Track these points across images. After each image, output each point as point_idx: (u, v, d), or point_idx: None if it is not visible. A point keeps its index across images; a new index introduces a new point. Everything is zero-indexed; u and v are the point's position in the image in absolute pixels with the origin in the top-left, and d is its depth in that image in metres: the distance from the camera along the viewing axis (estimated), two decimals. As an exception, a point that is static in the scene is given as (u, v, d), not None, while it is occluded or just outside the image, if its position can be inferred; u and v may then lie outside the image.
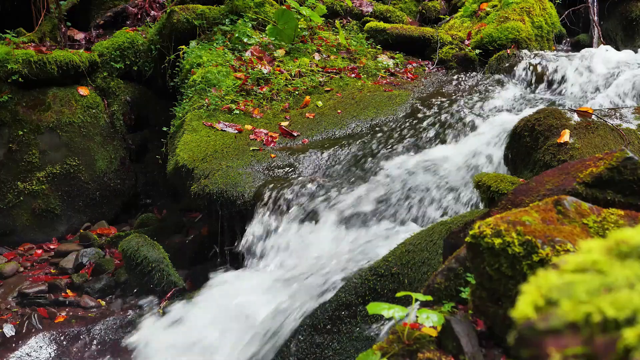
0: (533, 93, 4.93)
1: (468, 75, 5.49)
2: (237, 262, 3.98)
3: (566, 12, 6.77)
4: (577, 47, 6.45)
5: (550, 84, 4.95)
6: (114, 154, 5.82)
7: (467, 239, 1.44)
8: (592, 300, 0.61)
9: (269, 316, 2.89)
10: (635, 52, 5.25)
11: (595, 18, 6.61)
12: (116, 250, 4.84)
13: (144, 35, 6.19)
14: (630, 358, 0.56)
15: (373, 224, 3.47)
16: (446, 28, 6.52)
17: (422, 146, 4.16)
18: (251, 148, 4.27)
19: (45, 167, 5.49)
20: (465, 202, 3.43)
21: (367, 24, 6.21)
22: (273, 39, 5.48)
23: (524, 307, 0.64)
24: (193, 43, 5.54)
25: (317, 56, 5.54)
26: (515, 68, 5.19)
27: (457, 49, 5.80)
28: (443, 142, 4.17)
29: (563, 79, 4.90)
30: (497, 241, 1.36)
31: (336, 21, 6.18)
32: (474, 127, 4.23)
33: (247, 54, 5.36)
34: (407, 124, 4.46)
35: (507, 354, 1.43)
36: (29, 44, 6.06)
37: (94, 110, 5.76)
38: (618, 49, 6.00)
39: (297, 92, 5.03)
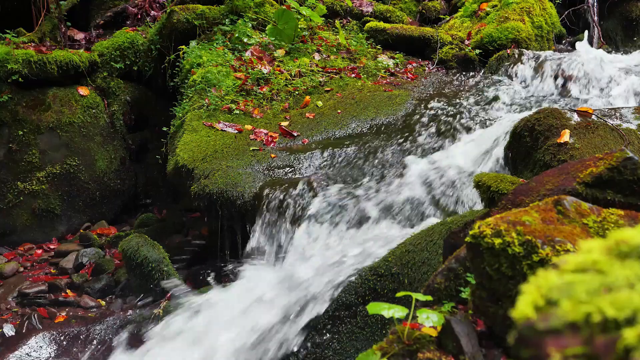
0: (533, 93, 4.93)
1: (468, 75, 5.49)
2: (237, 261, 3.98)
3: (566, 12, 6.77)
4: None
5: (550, 83, 4.95)
6: (114, 154, 5.82)
7: (467, 239, 1.44)
8: (592, 300, 0.61)
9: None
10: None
11: (595, 18, 6.61)
12: (116, 250, 4.84)
13: (144, 35, 6.19)
14: (630, 358, 0.56)
15: (375, 224, 3.47)
16: (446, 28, 6.52)
17: (422, 147, 4.16)
18: (251, 148, 4.27)
19: (45, 167, 5.49)
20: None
21: (367, 24, 6.21)
22: (273, 39, 5.48)
23: (524, 307, 0.64)
24: (193, 43, 5.53)
25: (317, 56, 5.54)
26: (515, 68, 5.19)
27: (457, 49, 5.80)
28: (444, 142, 4.17)
29: (564, 79, 4.90)
30: (497, 241, 1.36)
31: (336, 21, 6.18)
32: (473, 128, 4.23)
33: (247, 54, 5.36)
34: (407, 124, 4.45)
35: (507, 354, 1.43)
36: (29, 44, 6.06)
37: (94, 110, 5.76)
38: (618, 49, 6.01)
39: (297, 92, 5.03)
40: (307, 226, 3.51)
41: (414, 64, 5.77)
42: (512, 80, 5.11)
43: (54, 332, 3.87)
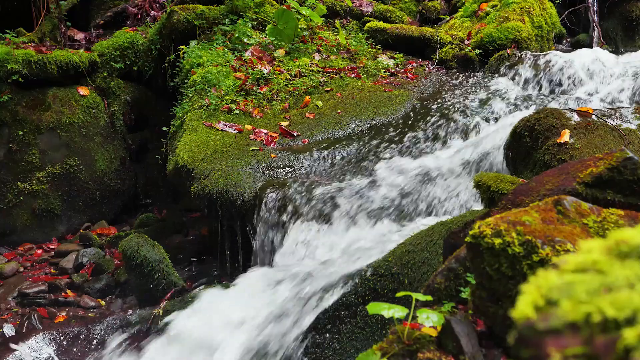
0: (533, 93, 4.93)
1: (468, 75, 5.49)
2: (237, 261, 3.98)
3: (566, 12, 6.77)
4: (577, 47, 6.45)
5: (550, 83, 4.95)
6: (114, 154, 5.82)
7: (467, 239, 1.44)
8: (592, 300, 0.61)
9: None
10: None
11: (595, 18, 6.61)
12: (116, 250, 4.84)
13: (144, 35, 6.19)
14: (630, 358, 0.56)
15: (377, 222, 3.47)
16: (446, 28, 6.52)
17: (421, 147, 4.16)
18: (251, 148, 4.27)
19: (45, 167, 5.48)
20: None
21: (367, 24, 6.21)
22: (273, 39, 5.48)
23: (524, 307, 0.64)
24: (193, 43, 5.53)
25: (317, 56, 5.54)
26: (515, 68, 5.19)
27: (457, 49, 5.80)
28: (444, 143, 4.17)
29: (564, 79, 4.89)
30: (497, 241, 1.36)
31: (336, 21, 6.17)
32: (473, 128, 4.23)
33: (247, 54, 5.36)
34: (407, 124, 4.45)
35: (507, 354, 1.43)
36: (29, 44, 6.06)
37: (94, 110, 5.76)
38: (618, 49, 6.01)
39: (297, 92, 5.03)
40: (306, 226, 3.51)
41: (414, 64, 5.77)
42: (512, 80, 5.10)
43: (54, 332, 3.87)
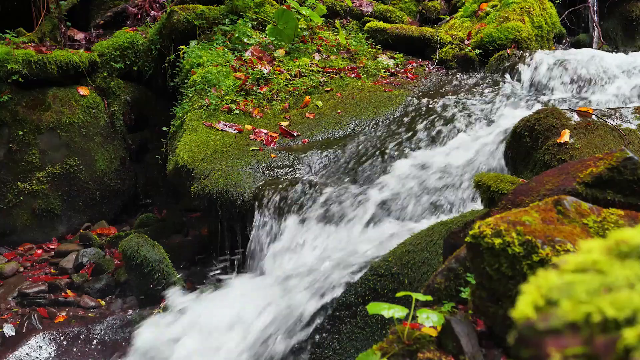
0: (532, 92, 4.93)
1: (468, 75, 5.49)
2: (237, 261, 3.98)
3: (566, 12, 6.78)
4: (577, 47, 6.45)
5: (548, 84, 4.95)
6: (114, 154, 5.82)
7: (467, 239, 1.44)
8: (592, 300, 0.61)
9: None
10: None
11: (595, 18, 6.61)
12: (116, 250, 4.84)
13: (144, 35, 6.19)
14: (630, 358, 0.56)
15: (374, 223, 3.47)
16: (446, 28, 6.52)
17: (420, 147, 4.16)
18: (251, 148, 4.27)
19: (45, 167, 5.49)
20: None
21: (367, 24, 6.21)
22: (273, 39, 5.48)
23: (524, 307, 0.64)
24: (193, 43, 5.53)
25: (317, 56, 5.54)
26: (515, 68, 5.19)
27: (457, 49, 5.80)
28: (443, 143, 4.17)
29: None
30: (497, 241, 1.36)
31: (336, 21, 6.17)
32: (473, 128, 4.23)
33: (247, 54, 5.36)
34: (407, 124, 4.45)
35: (507, 354, 1.43)
36: (29, 44, 6.06)
37: (94, 110, 5.76)
38: (618, 49, 6.02)
39: (297, 92, 5.03)
40: (305, 225, 3.51)
41: (414, 64, 5.77)
42: (512, 80, 5.10)
43: (54, 332, 3.87)
